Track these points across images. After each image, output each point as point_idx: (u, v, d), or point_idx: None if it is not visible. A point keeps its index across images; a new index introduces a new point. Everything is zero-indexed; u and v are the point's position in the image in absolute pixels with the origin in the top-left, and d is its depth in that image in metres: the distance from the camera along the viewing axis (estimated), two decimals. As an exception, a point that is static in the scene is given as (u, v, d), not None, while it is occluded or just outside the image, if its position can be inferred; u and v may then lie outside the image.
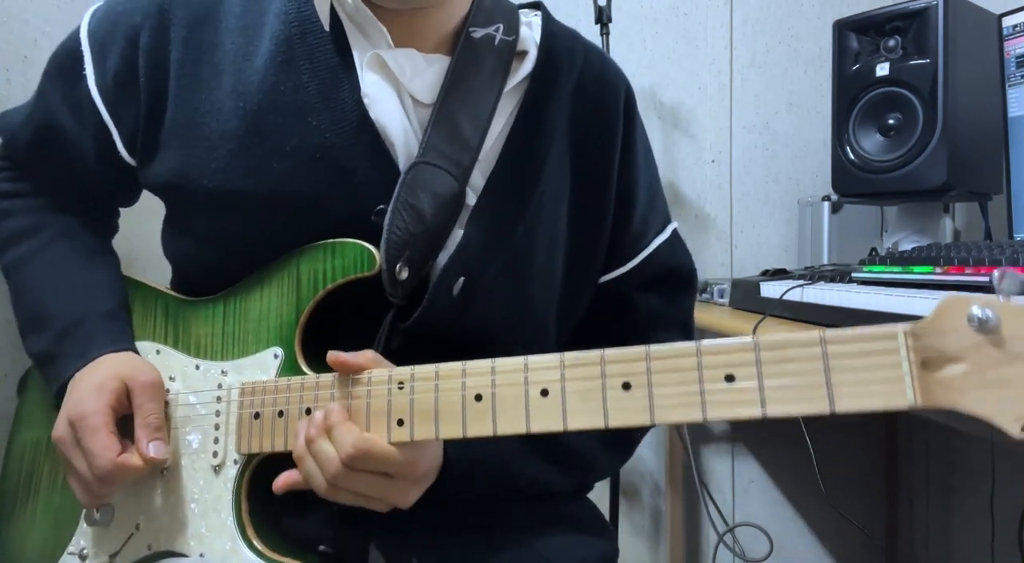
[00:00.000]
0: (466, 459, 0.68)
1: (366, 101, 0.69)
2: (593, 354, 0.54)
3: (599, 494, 1.33)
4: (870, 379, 0.47)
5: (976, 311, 0.45)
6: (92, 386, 0.69)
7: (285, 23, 0.71)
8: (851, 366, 0.47)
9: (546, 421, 0.55)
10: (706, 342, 0.51)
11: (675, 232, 0.87)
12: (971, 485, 1.57)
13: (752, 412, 0.49)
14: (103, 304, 0.76)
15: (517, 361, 0.57)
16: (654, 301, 0.83)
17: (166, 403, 0.73)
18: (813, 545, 1.81)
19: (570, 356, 0.55)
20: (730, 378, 0.50)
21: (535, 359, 0.56)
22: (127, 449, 0.67)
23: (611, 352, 0.54)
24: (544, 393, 0.55)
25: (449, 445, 0.68)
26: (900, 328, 0.47)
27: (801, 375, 0.48)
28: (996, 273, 0.46)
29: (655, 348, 0.53)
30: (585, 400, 0.54)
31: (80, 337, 0.74)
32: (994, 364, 0.44)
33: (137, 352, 0.75)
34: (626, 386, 0.53)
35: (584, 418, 0.54)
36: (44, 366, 0.76)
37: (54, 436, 0.70)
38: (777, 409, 0.49)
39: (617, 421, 0.53)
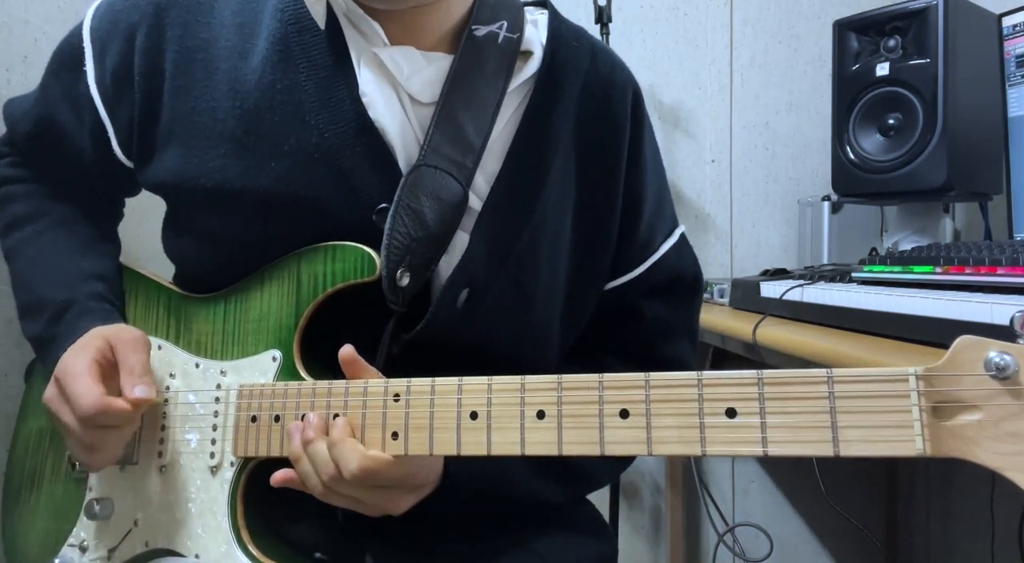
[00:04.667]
0: (468, 475, 0.68)
1: (364, 100, 0.68)
2: (591, 378, 0.53)
3: (599, 494, 1.33)
4: (877, 424, 0.45)
5: (994, 356, 0.42)
6: (76, 347, 0.69)
7: (281, 21, 0.70)
8: (858, 408, 0.45)
9: (541, 445, 0.54)
10: (708, 373, 0.50)
11: (682, 236, 0.85)
12: (971, 485, 1.57)
13: (753, 450, 0.48)
14: (93, 289, 0.77)
15: (514, 380, 0.56)
16: (660, 309, 0.82)
17: (165, 400, 0.73)
18: (813, 545, 1.81)
19: (568, 378, 0.54)
20: (731, 413, 0.49)
21: (532, 379, 0.55)
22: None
23: (609, 377, 0.52)
24: (540, 415, 0.54)
25: (450, 458, 0.67)
26: (912, 371, 0.45)
27: (805, 415, 0.47)
28: (1016, 316, 0.44)
29: (655, 376, 0.51)
30: (581, 426, 0.53)
31: (69, 318, 0.74)
32: (1011, 415, 0.42)
33: None
34: (624, 414, 0.52)
35: (579, 446, 0.53)
36: (40, 349, 0.77)
37: (44, 397, 0.69)
38: (779, 449, 0.47)
39: (613, 450, 0.52)
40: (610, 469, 0.83)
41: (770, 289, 1.11)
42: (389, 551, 0.71)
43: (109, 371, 0.68)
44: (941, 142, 1.23)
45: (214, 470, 0.69)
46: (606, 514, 1.52)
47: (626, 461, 0.87)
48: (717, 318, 1.18)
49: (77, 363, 0.67)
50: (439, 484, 0.67)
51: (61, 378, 0.67)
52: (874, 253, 1.49)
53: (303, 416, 0.64)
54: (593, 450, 0.52)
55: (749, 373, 0.48)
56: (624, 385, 0.52)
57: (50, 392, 0.69)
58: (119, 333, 0.70)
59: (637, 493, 1.80)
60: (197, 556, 0.68)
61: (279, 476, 0.64)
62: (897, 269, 0.94)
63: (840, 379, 0.46)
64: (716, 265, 1.79)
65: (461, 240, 0.70)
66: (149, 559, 0.70)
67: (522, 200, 0.72)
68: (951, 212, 1.45)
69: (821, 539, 1.81)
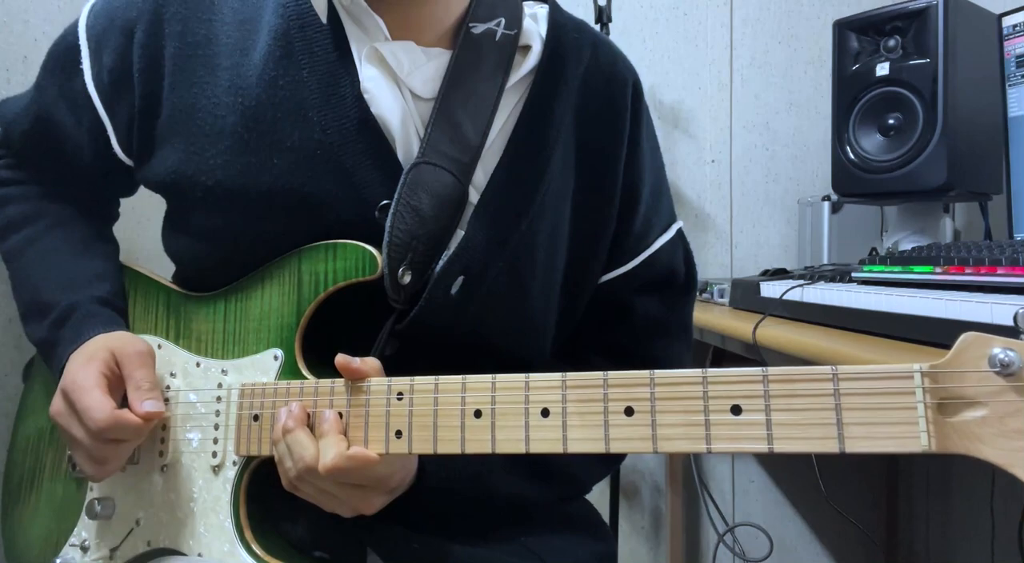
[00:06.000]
0: (444, 474, 0.68)
1: (366, 96, 0.68)
2: (596, 376, 0.53)
3: (599, 494, 1.33)
4: (883, 420, 0.45)
5: (998, 353, 0.42)
6: (82, 359, 0.69)
7: (283, 17, 0.70)
8: (863, 405, 0.46)
9: (546, 442, 0.54)
10: (712, 371, 0.50)
11: (679, 232, 0.85)
12: (971, 485, 1.57)
13: (758, 447, 0.48)
14: (97, 291, 0.76)
15: (518, 378, 0.56)
16: (653, 306, 0.82)
17: (166, 399, 0.73)
18: (813, 545, 1.81)
19: (572, 376, 0.54)
20: (736, 410, 0.49)
21: (536, 377, 0.55)
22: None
23: (614, 375, 0.53)
24: (545, 413, 0.54)
25: (425, 458, 0.67)
26: (917, 368, 0.45)
27: (811, 412, 0.47)
28: (1020, 312, 0.44)
29: (659, 374, 0.51)
30: (586, 424, 0.53)
31: (74, 323, 0.73)
32: (1015, 412, 0.42)
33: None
34: (628, 411, 0.52)
35: (585, 443, 0.53)
36: (45, 354, 0.76)
37: (51, 411, 0.69)
38: (784, 446, 0.47)
39: (618, 447, 0.52)
40: (596, 470, 0.82)
41: (770, 289, 1.11)
42: (389, 549, 0.71)
43: (116, 384, 0.69)
44: (941, 142, 1.23)
45: (216, 469, 0.69)
46: (606, 514, 1.52)
47: (613, 462, 0.86)
48: (717, 318, 1.18)
49: (85, 376, 0.67)
50: (412, 484, 0.67)
51: (70, 392, 0.67)
52: (874, 253, 1.49)
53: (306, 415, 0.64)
54: (598, 447, 0.52)
55: (754, 370, 0.49)
56: (629, 382, 0.52)
57: (58, 406, 0.69)
58: (124, 346, 0.70)
59: (637, 493, 1.80)
60: (200, 555, 0.68)
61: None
62: (897, 269, 0.94)
63: (845, 376, 0.46)
64: (716, 265, 1.79)
65: (461, 236, 0.70)
66: (151, 558, 0.70)
67: (521, 190, 0.72)
68: (951, 212, 1.45)
69: (821, 539, 1.81)
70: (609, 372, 0.53)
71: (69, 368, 0.69)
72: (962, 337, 0.44)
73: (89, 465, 0.68)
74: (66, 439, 0.69)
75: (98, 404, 0.65)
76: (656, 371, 0.51)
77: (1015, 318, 0.44)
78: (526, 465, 0.73)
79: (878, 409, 0.45)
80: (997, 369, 0.42)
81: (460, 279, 0.69)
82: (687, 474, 1.76)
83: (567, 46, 0.76)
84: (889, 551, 1.76)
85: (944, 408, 0.44)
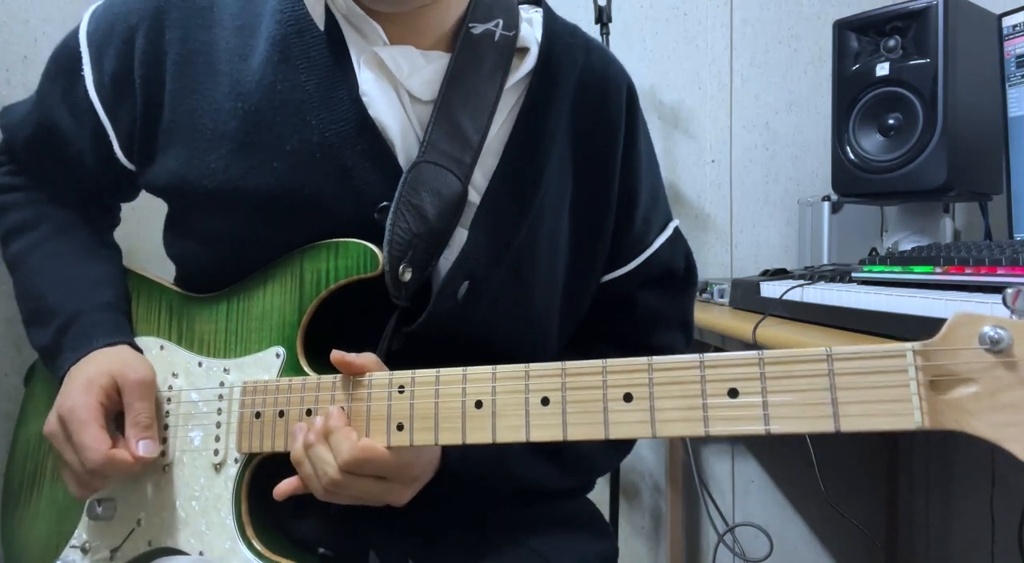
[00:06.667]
0: (463, 457, 0.68)
1: (364, 99, 0.69)
2: (595, 364, 0.54)
3: (599, 494, 1.33)
4: (877, 398, 0.46)
5: (988, 331, 0.43)
6: (82, 381, 0.69)
7: (281, 22, 0.71)
8: (857, 384, 0.46)
9: (546, 430, 0.55)
10: (709, 355, 0.50)
11: (676, 230, 0.86)
12: (971, 485, 1.57)
13: (755, 429, 0.49)
14: (101, 297, 0.77)
15: (518, 368, 0.56)
16: (655, 299, 0.83)
17: (168, 399, 0.73)
18: (813, 545, 1.81)
19: (571, 365, 0.55)
20: (733, 393, 0.49)
21: (536, 367, 0.56)
22: (118, 444, 0.68)
23: (613, 362, 0.53)
24: (545, 402, 0.55)
25: (448, 447, 0.67)
26: (909, 347, 0.46)
27: (806, 392, 0.48)
28: (1009, 292, 0.44)
29: (657, 360, 0.52)
30: (586, 411, 0.53)
31: (77, 331, 0.74)
32: (1006, 387, 0.43)
33: (134, 344, 0.75)
34: (628, 398, 0.52)
35: (584, 429, 0.53)
36: (47, 360, 0.77)
37: (45, 430, 0.70)
38: (781, 426, 0.48)
39: (618, 433, 0.52)
40: (609, 454, 0.84)
41: (770, 289, 1.11)
42: (392, 546, 0.71)
43: (113, 409, 0.70)
44: (941, 142, 1.23)
45: (218, 467, 0.69)
46: (606, 514, 1.52)
47: (626, 447, 0.87)
48: (717, 318, 1.18)
49: (84, 407, 0.67)
50: (437, 472, 0.67)
51: (67, 420, 0.67)
52: (874, 253, 1.49)
53: (307, 411, 0.65)
54: (598, 434, 0.53)
55: (750, 353, 0.49)
56: (627, 369, 0.53)
57: (53, 427, 0.69)
58: (126, 372, 0.70)
59: (637, 493, 1.80)
60: (201, 553, 0.68)
61: (282, 488, 0.65)
62: (897, 269, 0.94)
63: (839, 357, 0.47)
64: (716, 265, 1.79)
65: (461, 235, 0.70)
66: (152, 558, 0.71)
67: (520, 194, 0.72)
68: (951, 212, 1.46)
69: (821, 539, 1.81)
70: (608, 360, 0.53)
71: (68, 389, 0.70)
72: (953, 316, 0.45)
73: (74, 487, 0.70)
74: (57, 456, 0.70)
75: (94, 442, 0.66)
76: (654, 357, 0.52)
77: (1004, 297, 0.45)
78: (543, 450, 0.74)
79: (872, 387, 0.46)
80: (987, 346, 0.43)
81: (465, 284, 0.70)
82: (687, 474, 1.76)
83: (562, 50, 0.77)
84: (889, 551, 1.76)
85: (936, 385, 0.45)
